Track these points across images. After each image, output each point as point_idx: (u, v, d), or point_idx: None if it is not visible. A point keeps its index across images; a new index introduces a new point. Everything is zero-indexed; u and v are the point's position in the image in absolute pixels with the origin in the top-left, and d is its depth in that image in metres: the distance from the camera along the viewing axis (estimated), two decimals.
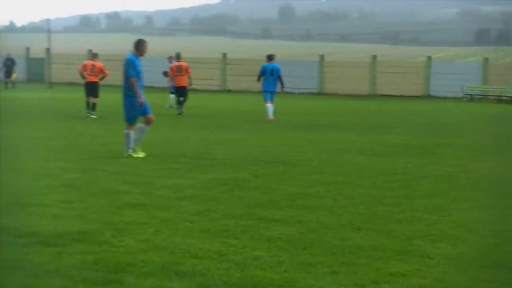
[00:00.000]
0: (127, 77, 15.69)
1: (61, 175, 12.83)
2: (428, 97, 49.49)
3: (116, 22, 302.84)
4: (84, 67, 27.78)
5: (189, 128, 15.22)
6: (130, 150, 15.59)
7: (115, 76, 28.92)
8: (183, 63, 30.91)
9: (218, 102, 39.70)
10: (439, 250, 8.22)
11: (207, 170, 13.90)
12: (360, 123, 26.81)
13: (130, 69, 15.64)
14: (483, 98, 46.94)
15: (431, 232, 9.04)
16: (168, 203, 10.48)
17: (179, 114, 29.26)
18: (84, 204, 10.28)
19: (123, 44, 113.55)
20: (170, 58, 34.85)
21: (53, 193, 11.06)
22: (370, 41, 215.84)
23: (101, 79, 28.03)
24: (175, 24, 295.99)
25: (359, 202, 10.96)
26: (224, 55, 55.82)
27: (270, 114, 26.57)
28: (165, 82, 36.09)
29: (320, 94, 51.71)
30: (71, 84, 55.16)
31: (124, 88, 15.87)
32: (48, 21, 57.50)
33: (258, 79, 27.47)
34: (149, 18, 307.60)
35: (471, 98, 46.81)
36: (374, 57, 52.98)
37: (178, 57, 31.59)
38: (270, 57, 27.65)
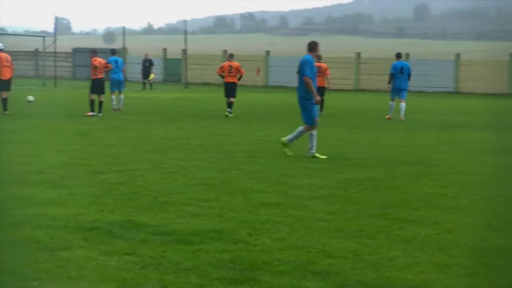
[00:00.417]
0: (302, 77, 15.67)
1: (197, 174, 13.05)
2: None
3: (251, 22, 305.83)
4: (222, 69, 28.10)
5: (323, 128, 15.23)
6: (313, 151, 15.52)
7: (249, 76, 29.15)
8: (322, 64, 31.08)
9: (352, 101, 39.53)
10: None
11: (342, 169, 13.87)
12: (498, 122, 26.15)
13: (307, 69, 15.61)
14: None
15: None
16: (302, 202, 10.51)
17: (320, 113, 29.33)
18: (220, 202, 10.42)
19: (258, 45, 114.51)
20: None
21: (190, 191, 11.26)
22: (508, 39, 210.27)
23: (239, 78, 28.28)
24: (309, 24, 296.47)
25: (497, 202, 10.70)
26: (358, 54, 55.54)
27: (401, 115, 26.58)
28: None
29: (456, 93, 50.72)
30: (206, 84, 56.15)
31: (300, 90, 15.86)
32: (184, 22, 58.61)
33: (390, 79, 27.44)
34: (283, 19, 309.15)
35: None
36: None
37: (318, 58, 31.78)
38: (398, 55, 28.05)
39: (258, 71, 32.17)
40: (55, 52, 53.89)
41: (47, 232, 8.33)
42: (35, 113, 25.54)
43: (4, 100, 25.31)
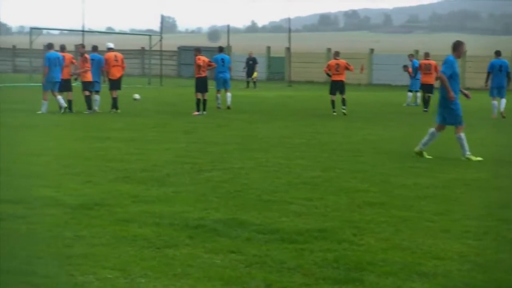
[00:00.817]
0: (448, 77, 15.28)
1: (301, 173, 13.04)
2: None
3: (354, 20, 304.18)
4: (329, 67, 27.89)
5: (429, 127, 15.02)
6: (468, 153, 15.26)
7: (353, 74, 28.95)
8: (432, 62, 30.87)
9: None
10: None
11: (448, 169, 13.65)
12: None
13: (446, 68, 15.29)
14: None
15: None
16: (407, 202, 10.38)
17: (425, 111, 29.05)
18: (324, 201, 10.38)
19: (361, 43, 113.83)
20: (410, 56, 34.80)
21: (294, 190, 11.27)
22: None
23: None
24: (414, 21, 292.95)
25: None
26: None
27: (501, 109, 26.37)
28: (404, 81, 35.80)
29: None
30: (309, 82, 56.11)
31: (442, 90, 15.49)
32: (288, 20, 58.71)
33: (488, 77, 27.06)
34: (387, 16, 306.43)
35: None
36: None
37: (426, 55, 31.95)
38: (497, 53, 27.61)
39: (362, 69, 32.04)
40: (160, 51, 54.81)
41: (154, 229, 8.46)
42: (141, 111, 25.98)
43: (114, 99, 25.81)
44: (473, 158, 14.97)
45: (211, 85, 27.72)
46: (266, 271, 6.99)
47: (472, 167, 14.05)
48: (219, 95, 28.98)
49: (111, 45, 26.89)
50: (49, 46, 25.92)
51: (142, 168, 13.09)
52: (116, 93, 25.91)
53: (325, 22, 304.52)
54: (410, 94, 33.46)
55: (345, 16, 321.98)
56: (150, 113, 25.74)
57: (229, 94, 29.09)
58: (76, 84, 27.44)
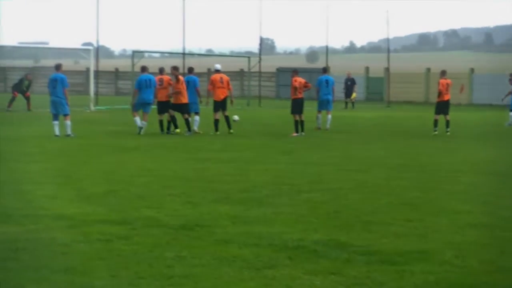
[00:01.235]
0: None
1: (401, 193, 12.91)
2: None
3: (454, 39, 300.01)
4: (442, 86, 27.32)
5: None
6: None
7: (453, 95, 28.51)
8: None
9: None
10: None
11: None
12: None
13: None
14: None
15: None
16: None
17: None
18: (424, 223, 10.24)
19: (461, 62, 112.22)
20: (511, 76, 34.19)
21: (394, 211, 11.15)
22: None
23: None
24: None
25: None
26: None
27: None
28: (505, 100, 35.08)
29: None
30: (409, 102, 55.56)
31: None
32: (387, 40, 58.35)
33: None
34: (488, 35, 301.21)
35: None
36: None
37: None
38: None
39: (461, 89, 31.61)
40: (259, 72, 55.18)
41: (253, 250, 8.49)
42: (240, 132, 26.15)
43: (216, 121, 26.02)
44: None
45: (310, 106, 27.72)
46: None
47: None
48: (319, 115, 28.94)
49: (218, 67, 27.18)
50: (143, 69, 26.51)
51: (241, 188, 13.17)
52: (218, 115, 26.09)
53: (424, 42, 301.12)
54: None
55: (445, 36, 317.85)
56: (249, 134, 25.90)
57: (329, 117, 29.03)
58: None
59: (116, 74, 69.60)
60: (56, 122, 24.05)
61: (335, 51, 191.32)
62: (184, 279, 7.35)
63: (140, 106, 25.86)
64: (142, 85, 25.63)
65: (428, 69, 58.51)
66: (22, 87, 39.64)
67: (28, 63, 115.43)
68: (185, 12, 50.80)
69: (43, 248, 8.48)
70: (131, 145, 21.40)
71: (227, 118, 26.16)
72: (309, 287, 7.14)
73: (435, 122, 26.96)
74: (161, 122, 25.86)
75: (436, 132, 26.45)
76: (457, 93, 35.58)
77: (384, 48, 67.23)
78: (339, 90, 50.93)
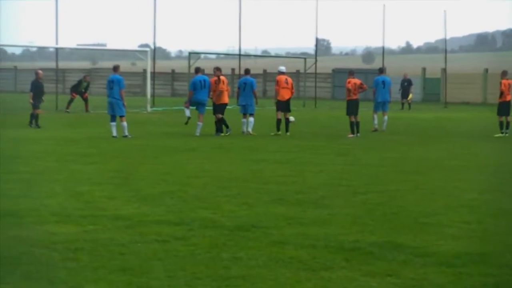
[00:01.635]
0: None
1: (458, 195, 12.79)
2: None
3: None
4: (502, 87, 26.94)
5: None
6: None
7: None
8: None
9: None
10: None
11: None
12: None
13: None
14: None
15: None
16: None
17: None
18: (483, 225, 10.14)
19: None
20: None
21: (451, 213, 11.06)
22: None
23: None
24: None
25: None
26: None
27: None
28: None
29: None
30: (466, 103, 55.01)
31: None
32: (443, 41, 57.81)
33: None
34: None
35: None
36: None
37: None
38: None
39: None
40: (315, 73, 55.09)
41: (309, 251, 8.49)
42: (296, 133, 26.13)
43: (278, 121, 26.04)
44: None
45: (366, 107, 27.60)
46: None
47: None
48: (375, 116, 28.76)
49: (283, 69, 27.22)
50: (197, 70, 26.73)
51: (297, 190, 13.16)
52: (280, 115, 26.12)
53: (482, 42, 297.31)
54: None
55: (503, 35, 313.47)
56: (305, 135, 25.88)
57: (385, 118, 28.83)
58: (232, 107, 27.86)
59: (173, 75, 70.11)
60: (113, 123, 24.30)
61: (392, 52, 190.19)
62: (241, 280, 7.38)
63: (194, 106, 26.04)
64: (196, 86, 25.76)
65: (486, 70, 57.83)
66: (80, 89, 40.11)
67: (86, 64, 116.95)
68: (241, 13, 50.99)
69: (101, 248, 8.58)
70: (188, 146, 21.52)
71: (287, 120, 26.19)
72: None
73: (501, 124, 26.57)
74: (216, 123, 25.96)
75: (503, 135, 26.04)
76: None
77: (441, 48, 66.65)
78: (395, 91, 50.60)
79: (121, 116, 24.37)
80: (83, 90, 40.07)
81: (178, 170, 15.96)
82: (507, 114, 26.62)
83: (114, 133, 24.09)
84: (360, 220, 10.41)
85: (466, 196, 12.69)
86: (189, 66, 45.44)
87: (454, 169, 16.71)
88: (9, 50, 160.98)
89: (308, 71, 55.17)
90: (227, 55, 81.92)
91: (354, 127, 25.93)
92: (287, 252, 8.44)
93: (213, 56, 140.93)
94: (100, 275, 7.51)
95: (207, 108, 26.18)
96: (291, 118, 28.28)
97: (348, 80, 26.58)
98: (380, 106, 28.88)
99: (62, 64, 58.84)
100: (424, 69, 62.16)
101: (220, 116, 25.72)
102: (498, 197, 12.59)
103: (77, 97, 39.99)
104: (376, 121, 28.58)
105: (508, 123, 26.55)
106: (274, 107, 26.59)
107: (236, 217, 10.52)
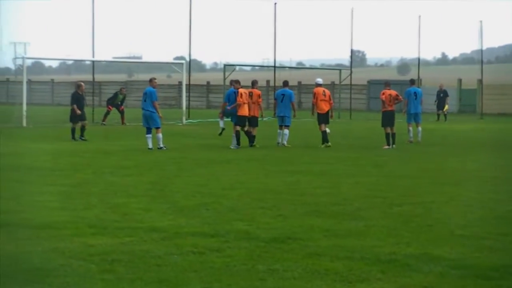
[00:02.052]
0: None
1: (495, 207, 12.70)
2: None
3: None
4: None
5: None
6: None
7: None
8: None
9: None
10: None
11: None
12: None
13: None
14: None
15: None
16: None
17: None
18: None
19: None
20: None
21: (488, 225, 10.99)
22: None
23: None
24: None
25: None
26: None
27: None
28: None
29: None
30: (502, 114, 54.59)
31: None
32: (479, 52, 57.46)
33: None
34: None
35: None
36: None
37: None
38: None
39: None
40: (350, 85, 55.00)
41: (345, 263, 8.48)
42: (331, 145, 26.07)
43: (324, 133, 26.01)
44: None
45: (401, 118, 27.49)
46: None
47: None
48: (410, 128, 28.60)
49: (320, 81, 27.25)
50: (233, 82, 26.85)
51: (332, 201, 13.15)
52: (324, 127, 26.10)
53: None
54: None
55: None
56: (340, 147, 25.83)
57: (419, 129, 28.67)
58: (266, 119, 27.79)
59: (208, 87, 70.32)
60: (149, 136, 24.44)
61: (427, 63, 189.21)
62: None
63: (229, 118, 26.10)
64: (231, 98, 25.82)
65: None
66: (116, 101, 40.36)
67: (122, 77, 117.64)
68: (276, 25, 51.03)
69: (137, 260, 8.63)
70: (223, 158, 21.58)
71: (324, 132, 26.11)
72: None
73: None
74: (248, 134, 25.94)
75: None
76: None
77: (477, 59, 66.22)
78: (431, 103, 50.45)
79: (157, 128, 24.50)
80: (119, 103, 40.31)
81: (213, 182, 16.01)
82: None
83: (150, 145, 24.23)
84: (396, 232, 10.38)
85: (502, 207, 12.60)
86: (224, 78, 45.56)
87: (490, 180, 16.59)
88: (46, 63, 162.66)
89: (343, 82, 55.09)
90: (262, 67, 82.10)
91: (390, 138, 25.84)
92: (323, 264, 8.44)
93: (248, 68, 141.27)
94: (137, 287, 7.57)
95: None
96: (326, 130, 28.26)
97: (383, 91, 26.54)
98: (412, 117, 28.70)
99: (98, 77, 59.35)
100: (460, 80, 61.81)
101: (238, 128, 25.59)
102: None
103: (113, 110, 40.25)
104: (411, 133, 28.42)
105: None
106: (309, 119, 26.58)
107: (271, 229, 10.54)
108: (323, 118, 26.21)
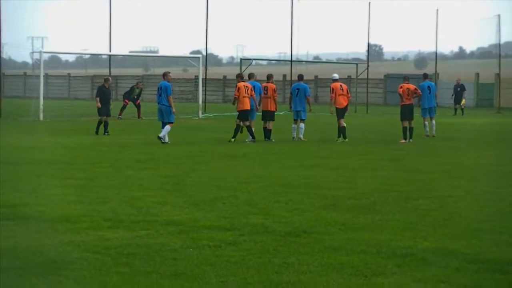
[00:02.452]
0: None
1: (511, 201, 12.68)
2: None
3: None
4: None
5: None
6: None
7: None
8: None
9: None
10: None
11: None
12: None
13: None
14: None
15: None
16: None
17: None
18: None
19: None
20: None
21: (505, 219, 10.96)
22: None
23: None
24: None
25: None
26: None
27: None
28: None
29: None
30: None
31: None
32: (497, 46, 57.18)
33: None
34: None
35: None
36: None
37: None
38: None
39: None
40: (367, 79, 54.88)
41: (361, 257, 8.46)
42: (348, 138, 26.01)
43: (343, 128, 25.89)
44: None
45: (417, 113, 27.41)
46: None
47: None
48: (426, 122, 28.52)
49: (336, 76, 27.20)
50: (249, 76, 26.88)
51: (349, 195, 13.13)
52: (343, 122, 25.96)
53: None
54: None
55: None
56: (357, 141, 25.78)
57: (434, 122, 28.56)
58: (283, 113, 27.76)
59: (224, 81, 70.37)
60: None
61: (444, 57, 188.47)
62: (292, 285, 7.39)
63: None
64: (241, 92, 25.72)
65: None
66: (133, 95, 40.42)
67: (139, 71, 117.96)
68: (293, 19, 50.95)
69: (153, 254, 8.65)
70: (239, 151, 21.58)
71: (343, 128, 25.97)
72: None
73: None
74: (264, 129, 25.93)
75: None
76: None
77: (494, 53, 65.89)
78: (448, 97, 50.27)
79: (169, 123, 24.37)
80: (135, 97, 40.36)
81: (229, 175, 16.01)
82: None
83: (166, 139, 24.22)
84: (412, 226, 10.35)
85: None
86: (241, 72, 45.55)
87: (507, 175, 16.53)
88: (63, 57, 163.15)
89: (360, 76, 54.97)
90: (278, 61, 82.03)
91: (407, 132, 25.77)
92: (338, 258, 8.43)
93: (264, 63, 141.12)
94: (153, 280, 7.58)
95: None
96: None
97: (400, 85, 26.46)
98: (427, 112, 28.56)
99: (115, 71, 59.55)
100: (477, 74, 61.56)
101: (239, 121, 25.49)
102: None
103: (130, 104, 40.33)
104: (427, 128, 28.32)
105: None
106: (326, 114, 26.51)
107: (287, 223, 10.53)
108: (342, 113, 26.12)
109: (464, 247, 9.01)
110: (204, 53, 50.83)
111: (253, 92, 25.53)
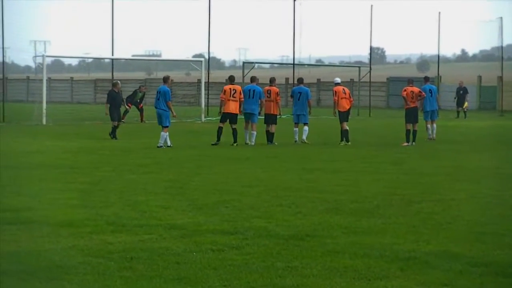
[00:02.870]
0: None
1: None
2: None
3: None
4: None
5: None
6: None
7: None
8: None
9: None
10: None
11: None
12: None
13: None
14: None
15: None
16: None
17: None
18: None
19: None
20: None
21: (507, 222, 10.98)
22: None
23: None
24: None
25: None
26: None
27: None
28: None
29: None
30: None
31: None
32: (500, 48, 57.18)
33: None
34: None
35: None
36: None
37: None
38: None
39: None
40: (369, 82, 54.87)
41: (364, 261, 8.46)
42: (350, 142, 26.01)
43: (345, 132, 25.88)
44: None
45: (420, 116, 27.40)
46: None
47: None
48: (428, 126, 28.52)
49: (338, 80, 27.23)
50: (252, 79, 26.85)
51: (351, 199, 13.13)
52: (346, 126, 25.95)
53: None
54: None
55: None
56: (359, 144, 25.77)
57: (434, 126, 28.54)
58: (286, 116, 27.73)
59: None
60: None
61: (447, 60, 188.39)
62: None
63: (245, 115, 25.95)
64: (245, 95, 25.76)
65: None
66: (135, 99, 40.40)
67: (141, 75, 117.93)
68: (295, 22, 50.93)
69: (156, 258, 8.65)
70: (242, 155, 21.58)
71: (346, 131, 25.97)
72: None
73: None
74: (267, 132, 25.92)
75: None
76: None
77: (497, 56, 65.87)
78: (450, 100, 50.26)
79: (164, 127, 24.30)
80: (138, 101, 40.36)
81: (232, 179, 16.02)
82: None
83: (169, 143, 24.22)
84: (415, 229, 10.36)
85: None
86: (243, 76, 45.60)
87: (510, 177, 16.53)
88: (66, 61, 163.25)
89: (363, 80, 54.96)
90: (281, 64, 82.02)
91: (410, 135, 25.77)
92: (342, 261, 8.43)
93: (267, 66, 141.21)
94: (156, 284, 7.59)
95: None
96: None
97: (404, 88, 26.47)
98: (429, 115, 28.55)
99: (118, 75, 59.47)
100: (480, 77, 61.52)
101: (222, 124, 25.54)
102: None
103: (132, 108, 40.32)
104: (430, 131, 28.33)
105: None
106: (329, 116, 26.51)
107: (290, 226, 10.53)
108: (345, 116, 26.11)
109: (467, 250, 9.01)
110: (207, 57, 50.85)
111: (241, 95, 25.56)
